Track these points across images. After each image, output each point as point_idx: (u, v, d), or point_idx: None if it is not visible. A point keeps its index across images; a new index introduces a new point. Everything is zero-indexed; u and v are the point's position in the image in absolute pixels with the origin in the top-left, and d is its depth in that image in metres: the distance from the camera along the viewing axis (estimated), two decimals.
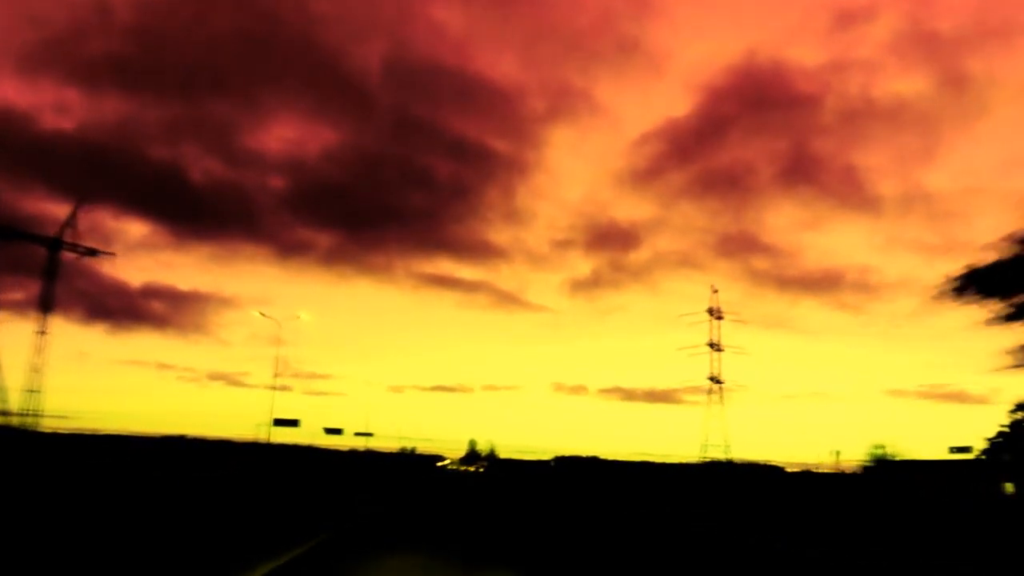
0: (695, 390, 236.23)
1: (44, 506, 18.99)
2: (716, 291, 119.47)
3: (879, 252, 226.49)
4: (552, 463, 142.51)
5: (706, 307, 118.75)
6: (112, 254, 58.72)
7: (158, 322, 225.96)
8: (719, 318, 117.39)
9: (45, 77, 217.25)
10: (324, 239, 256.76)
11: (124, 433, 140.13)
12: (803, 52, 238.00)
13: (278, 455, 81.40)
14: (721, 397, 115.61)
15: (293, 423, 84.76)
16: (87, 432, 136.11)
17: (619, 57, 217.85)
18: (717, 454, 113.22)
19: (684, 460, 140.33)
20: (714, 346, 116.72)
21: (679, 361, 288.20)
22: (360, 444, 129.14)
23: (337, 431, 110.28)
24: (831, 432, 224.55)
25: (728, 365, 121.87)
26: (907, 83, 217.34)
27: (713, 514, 27.42)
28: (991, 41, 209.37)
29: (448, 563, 13.07)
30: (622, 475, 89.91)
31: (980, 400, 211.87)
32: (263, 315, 50.31)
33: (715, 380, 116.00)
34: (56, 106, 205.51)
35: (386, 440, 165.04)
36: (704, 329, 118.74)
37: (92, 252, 59.15)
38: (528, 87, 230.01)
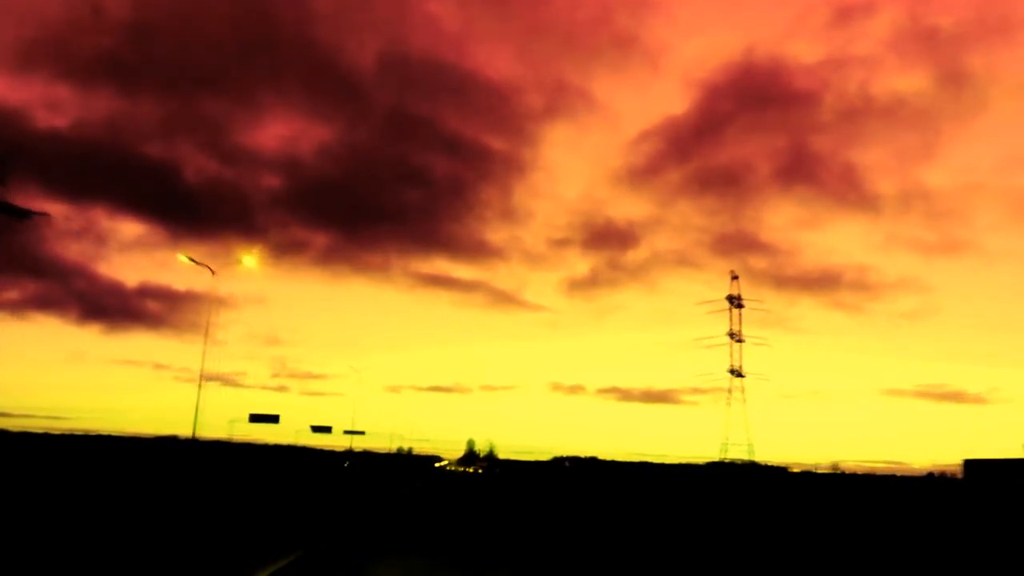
0: (698, 390, 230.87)
1: None
2: (736, 277, 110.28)
3: (877, 251, 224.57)
4: (566, 463, 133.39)
5: (716, 298, 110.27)
6: (46, 214, 49.41)
7: (153, 322, 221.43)
8: (739, 306, 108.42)
9: (38, 74, 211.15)
10: (320, 238, 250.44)
11: (119, 434, 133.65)
12: (802, 48, 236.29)
13: (248, 457, 72.51)
14: (743, 392, 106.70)
15: (273, 419, 75.58)
16: (79, 432, 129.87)
17: (616, 53, 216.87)
18: (739, 454, 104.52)
19: (685, 460, 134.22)
20: (735, 336, 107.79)
21: (679, 360, 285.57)
22: (358, 444, 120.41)
23: (325, 429, 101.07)
24: (829, 432, 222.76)
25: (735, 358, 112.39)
26: (906, 80, 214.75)
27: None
28: (990, 37, 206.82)
29: None
30: (660, 482, 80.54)
31: (977, 400, 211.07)
32: (195, 261, 41.39)
33: (736, 373, 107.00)
34: (49, 103, 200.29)
35: (382, 440, 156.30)
36: (713, 321, 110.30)
37: (23, 213, 50.10)
38: (525, 84, 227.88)
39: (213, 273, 41.95)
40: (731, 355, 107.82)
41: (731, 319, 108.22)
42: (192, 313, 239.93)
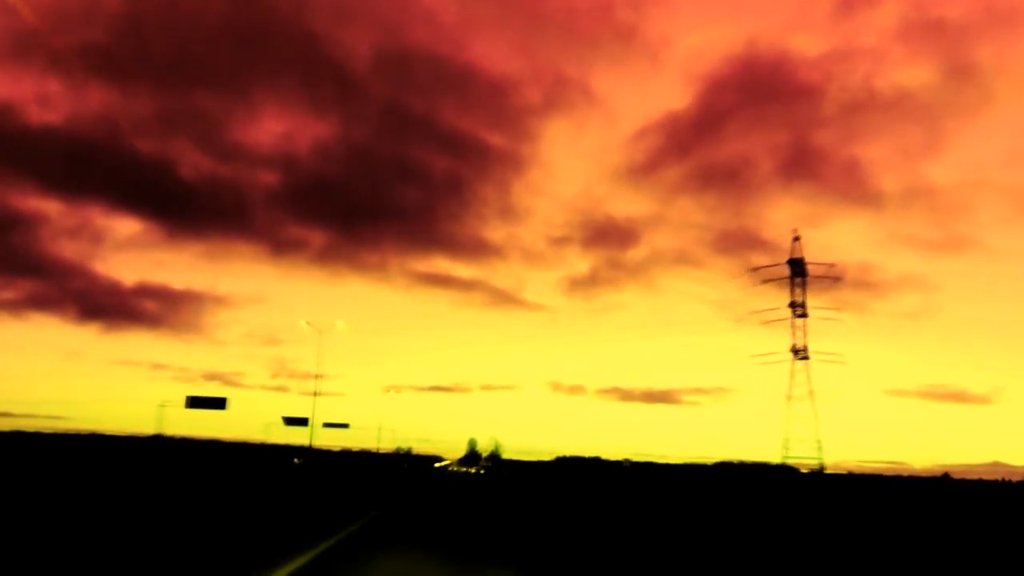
0: (700, 390, 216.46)
1: None
2: (798, 238, 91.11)
3: (880, 248, 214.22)
4: (625, 464, 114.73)
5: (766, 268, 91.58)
6: None
7: (151, 321, 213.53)
8: (803, 276, 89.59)
9: (28, 68, 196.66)
10: (317, 236, 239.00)
11: (118, 434, 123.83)
12: (805, 41, 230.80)
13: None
14: (808, 377, 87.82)
15: (218, 403, 57.29)
16: (77, 432, 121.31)
17: (616, 47, 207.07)
18: (807, 454, 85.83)
19: (688, 461, 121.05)
20: (797, 308, 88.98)
21: (680, 359, 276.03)
22: (356, 443, 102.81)
23: (300, 421, 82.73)
24: (830, 432, 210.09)
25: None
26: (911, 73, 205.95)
27: None
28: (997, 30, 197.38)
29: None
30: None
31: (981, 400, 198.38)
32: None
33: (800, 354, 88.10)
34: (40, 98, 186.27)
35: (379, 438, 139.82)
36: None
37: None
38: (523, 78, 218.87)
39: None
40: (793, 332, 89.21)
41: (792, 291, 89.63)
42: (189, 313, 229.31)
